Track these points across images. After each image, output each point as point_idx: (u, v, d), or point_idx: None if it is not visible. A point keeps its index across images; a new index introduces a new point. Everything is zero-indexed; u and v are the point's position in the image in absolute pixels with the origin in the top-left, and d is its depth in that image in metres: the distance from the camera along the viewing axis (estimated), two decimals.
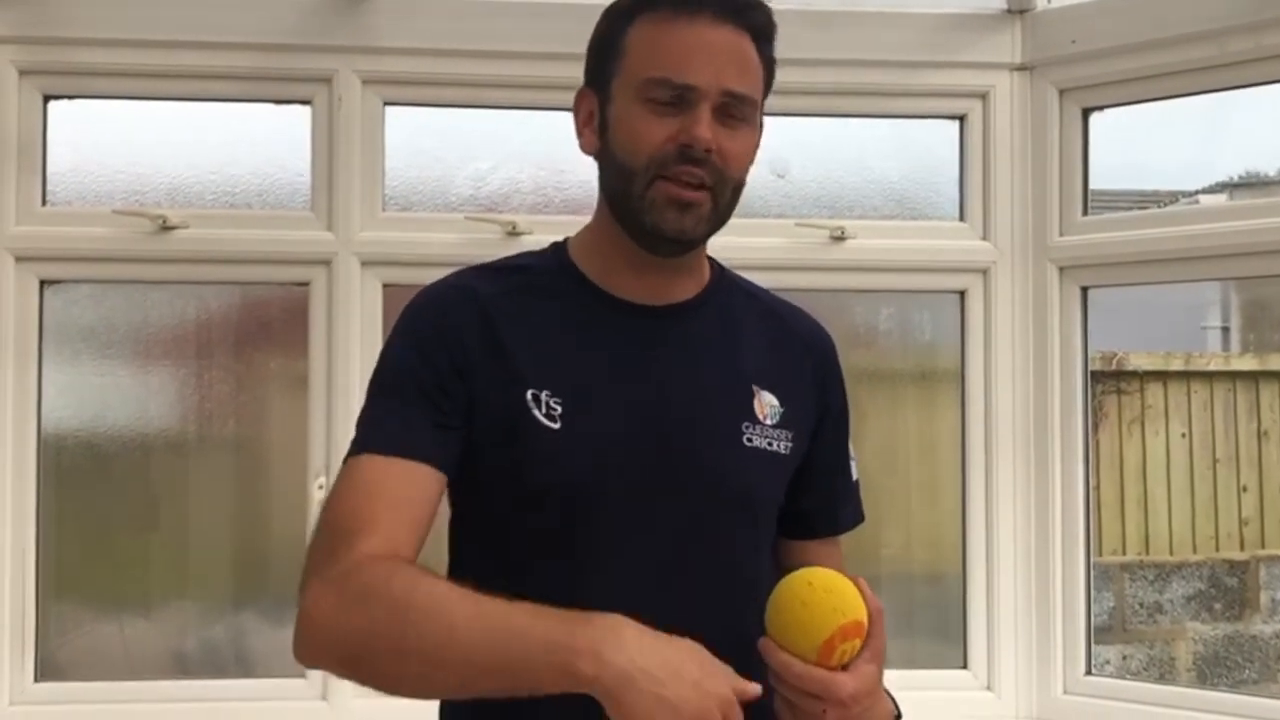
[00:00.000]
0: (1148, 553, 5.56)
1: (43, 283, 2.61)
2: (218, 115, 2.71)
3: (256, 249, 2.63)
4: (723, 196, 1.38)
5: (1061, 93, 2.71)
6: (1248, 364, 6.27)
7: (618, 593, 1.25)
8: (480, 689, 1.21)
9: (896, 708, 1.39)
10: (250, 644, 2.66)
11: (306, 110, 2.65)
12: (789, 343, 1.52)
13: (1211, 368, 6.02)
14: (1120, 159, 2.98)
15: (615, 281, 1.43)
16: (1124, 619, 5.08)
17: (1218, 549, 5.68)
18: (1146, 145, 3.10)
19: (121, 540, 2.70)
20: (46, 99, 2.62)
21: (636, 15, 1.39)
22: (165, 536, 2.70)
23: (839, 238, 2.71)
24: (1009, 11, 2.72)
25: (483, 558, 1.40)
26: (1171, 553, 5.59)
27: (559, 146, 2.38)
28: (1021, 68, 2.73)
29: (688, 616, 1.23)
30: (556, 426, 1.35)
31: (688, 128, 1.34)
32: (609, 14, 1.43)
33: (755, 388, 1.45)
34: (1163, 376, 5.77)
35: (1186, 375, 5.84)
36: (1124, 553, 5.52)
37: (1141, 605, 5.12)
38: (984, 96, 2.74)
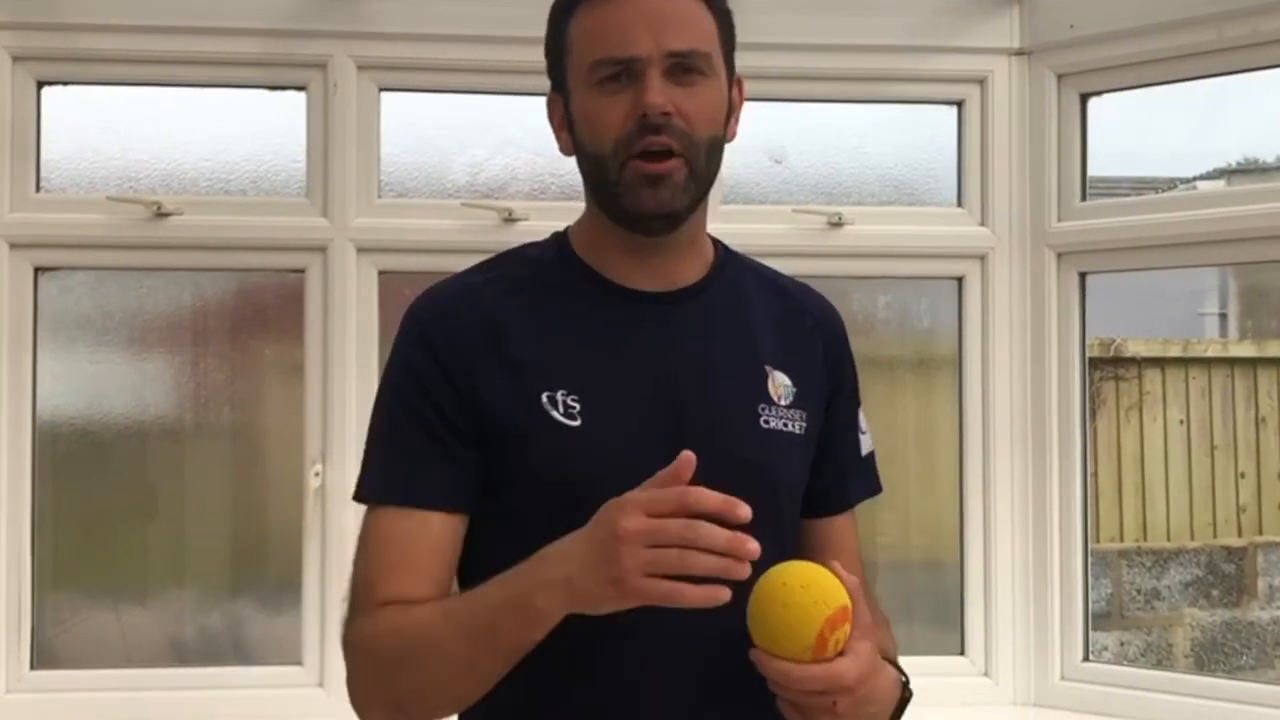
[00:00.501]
0: (1145, 539, 5.55)
1: (37, 270, 2.60)
2: (212, 101, 2.70)
3: (252, 236, 2.62)
4: (697, 159, 1.36)
5: (1060, 78, 2.70)
6: (1246, 350, 6.27)
7: None
8: (495, 672, 1.27)
9: (901, 672, 1.39)
10: (247, 631, 2.65)
11: (302, 96, 2.64)
12: (799, 320, 1.51)
13: (1209, 354, 6.02)
14: (1119, 144, 2.98)
15: (618, 270, 1.42)
16: (1122, 605, 5.08)
17: (1215, 535, 5.68)
18: (1145, 131, 3.10)
19: (117, 528, 2.69)
20: (40, 85, 2.61)
21: (575, 8, 1.40)
22: (161, 524, 2.69)
23: (837, 224, 2.70)
24: None
25: (503, 554, 1.38)
26: (1169, 539, 5.59)
27: None
28: (1020, 53, 2.72)
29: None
30: (577, 424, 1.34)
31: (638, 97, 1.33)
32: (552, 14, 1.44)
33: (768, 368, 1.44)
34: (1161, 363, 5.77)
35: (1184, 362, 5.84)
36: (1122, 539, 5.52)
37: (1139, 592, 5.11)
38: (982, 82, 2.73)
